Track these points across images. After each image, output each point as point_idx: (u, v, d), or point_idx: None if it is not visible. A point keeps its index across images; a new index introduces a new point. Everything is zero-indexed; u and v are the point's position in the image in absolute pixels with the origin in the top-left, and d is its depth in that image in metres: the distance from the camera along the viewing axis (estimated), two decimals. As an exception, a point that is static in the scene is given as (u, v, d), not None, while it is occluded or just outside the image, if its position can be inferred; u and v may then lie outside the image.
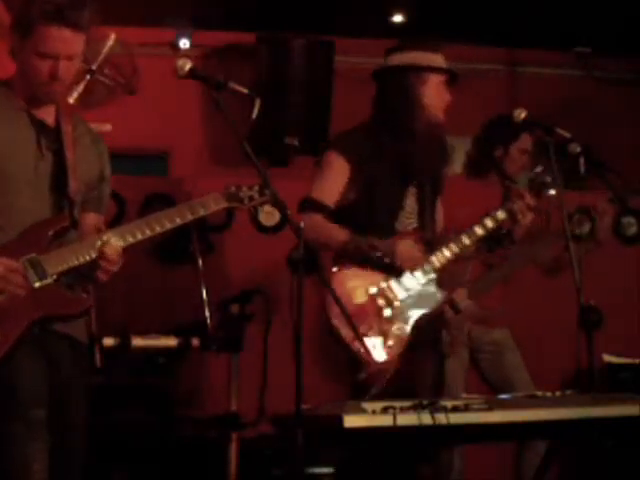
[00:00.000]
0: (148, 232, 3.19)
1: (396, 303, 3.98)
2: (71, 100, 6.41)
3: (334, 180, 4.03)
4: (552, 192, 4.20)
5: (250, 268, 5.63)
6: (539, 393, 3.67)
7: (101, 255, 3.09)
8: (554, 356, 5.63)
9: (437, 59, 4.14)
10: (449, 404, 3.24)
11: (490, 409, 3.28)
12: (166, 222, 3.22)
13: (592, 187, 4.76)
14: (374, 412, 3.14)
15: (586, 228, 5.16)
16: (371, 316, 3.88)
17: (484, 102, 7.16)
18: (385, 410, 3.14)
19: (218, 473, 4.99)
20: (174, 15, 6.56)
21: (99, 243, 3.13)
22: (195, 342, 5.07)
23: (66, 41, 3.09)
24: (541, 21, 6.61)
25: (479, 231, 4.07)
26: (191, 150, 6.93)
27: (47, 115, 3.23)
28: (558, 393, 3.62)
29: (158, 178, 6.49)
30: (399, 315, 3.97)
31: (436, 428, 3.13)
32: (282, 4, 6.42)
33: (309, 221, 3.87)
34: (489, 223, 4.08)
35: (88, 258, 3.11)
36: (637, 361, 5.86)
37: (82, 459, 3.22)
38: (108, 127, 6.77)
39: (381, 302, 3.93)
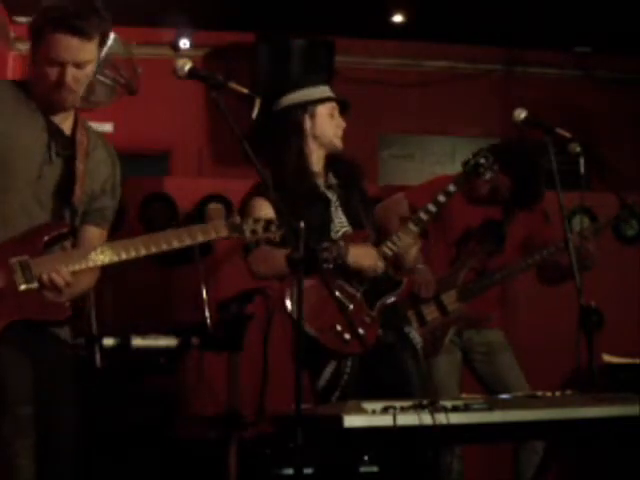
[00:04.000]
0: (143, 251, 3.17)
1: (357, 295, 4.03)
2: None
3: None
4: (488, 175, 4.25)
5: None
6: (539, 393, 3.67)
7: (43, 283, 3.06)
8: (554, 356, 5.64)
9: (320, 91, 4.28)
10: (449, 404, 3.24)
11: (490, 409, 3.28)
12: (163, 244, 3.20)
13: (592, 187, 4.77)
14: (374, 412, 3.14)
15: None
16: (334, 311, 3.90)
17: (484, 102, 7.17)
18: (385, 410, 3.14)
19: (218, 473, 4.99)
20: (174, 15, 6.56)
21: (91, 256, 3.12)
22: (195, 342, 5.08)
23: (73, 49, 3.10)
24: (541, 21, 6.61)
25: (413, 228, 4.17)
26: (191, 150, 6.93)
27: (63, 123, 3.24)
28: (558, 393, 3.62)
29: (158, 178, 6.50)
30: (362, 306, 4.03)
31: (436, 428, 3.13)
32: (282, 4, 6.43)
33: (257, 255, 4.07)
34: (414, 227, 4.17)
35: (77, 267, 3.10)
36: (637, 361, 5.86)
37: (71, 457, 3.22)
38: (108, 127, 6.79)
39: (341, 296, 3.97)
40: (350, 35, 6.73)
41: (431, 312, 4.75)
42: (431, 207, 4.19)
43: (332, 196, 4.23)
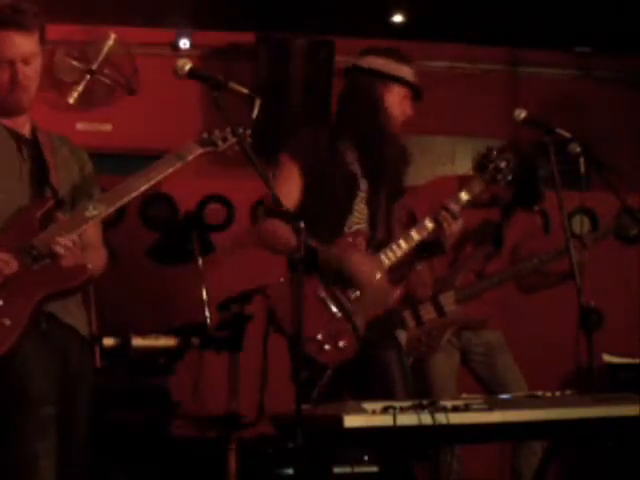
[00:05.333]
0: (133, 193, 3.28)
1: (346, 304, 3.92)
2: (71, 100, 6.44)
3: (286, 183, 3.96)
4: (504, 181, 4.13)
5: (250, 268, 5.63)
6: (539, 393, 3.67)
7: (54, 252, 3.11)
8: (554, 356, 5.63)
9: (406, 71, 4.12)
10: (449, 404, 3.24)
11: (490, 409, 3.27)
12: (147, 180, 3.28)
13: (592, 187, 4.76)
14: (374, 412, 3.14)
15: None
16: (321, 318, 3.86)
17: (484, 102, 7.17)
18: (385, 410, 3.14)
19: (218, 473, 4.99)
20: (174, 15, 6.56)
21: (86, 214, 3.18)
22: (195, 342, 5.08)
23: (16, 44, 3.16)
24: (541, 21, 6.61)
25: (415, 236, 4.01)
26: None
27: (22, 127, 3.31)
28: (558, 393, 3.62)
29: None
30: (350, 315, 3.91)
31: (436, 428, 3.13)
32: (282, 4, 6.43)
33: (266, 226, 3.94)
34: (416, 235, 4.00)
35: (80, 230, 3.16)
36: (637, 361, 5.86)
37: (86, 455, 3.25)
38: (108, 127, 6.80)
39: (330, 304, 3.92)
40: (350, 35, 6.71)
41: (428, 313, 4.74)
42: (429, 225, 4.03)
43: (363, 184, 4.08)
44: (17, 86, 3.18)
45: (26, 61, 3.18)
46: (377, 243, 4.05)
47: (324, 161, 4.00)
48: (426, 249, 4.11)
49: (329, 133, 4.08)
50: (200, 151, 3.36)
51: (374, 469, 3.44)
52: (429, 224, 4.01)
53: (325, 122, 4.36)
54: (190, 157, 3.33)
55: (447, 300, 4.74)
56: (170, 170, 3.30)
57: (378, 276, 3.94)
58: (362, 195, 4.08)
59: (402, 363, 4.07)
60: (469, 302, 4.77)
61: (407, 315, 4.70)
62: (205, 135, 3.38)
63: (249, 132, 3.35)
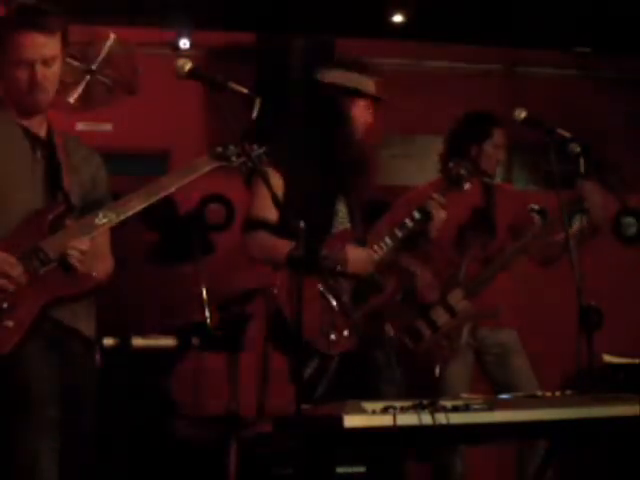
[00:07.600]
0: (143, 204, 3.24)
1: (344, 297, 4.01)
2: (71, 100, 6.44)
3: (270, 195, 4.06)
4: (467, 186, 4.32)
5: (250, 268, 5.63)
6: (539, 393, 3.67)
7: (65, 255, 3.12)
8: (554, 356, 5.64)
9: (367, 83, 4.25)
10: (449, 404, 3.24)
11: (490, 409, 3.27)
12: (159, 192, 3.27)
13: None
14: (374, 412, 3.14)
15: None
16: (322, 311, 3.89)
17: (484, 102, 7.17)
18: (385, 410, 3.14)
19: (218, 473, 4.99)
20: (174, 15, 6.56)
21: (96, 221, 3.18)
22: (195, 342, 5.08)
23: (38, 45, 3.16)
24: (541, 21, 6.61)
25: (398, 233, 4.19)
26: (191, 150, 6.92)
27: (38, 128, 3.31)
28: (558, 393, 3.62)
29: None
30: (349, 307, 4.01)
31: (436, 428, 3.13)
32: (282, 4, 6.43)
33: (253, 240, 4.06)
34: (408, 223, 4.20)
35: (87, 237, 3.16)
36: (637, 361, 5.86)
37: (90, 458, 3.25)
38: (108, 127, 6.80)
39: (330, 297, 3.96)
40: (350, 35, 6.72)
41: (440, 316, 4.74)
42: (417, 214, 4.21)
43: (340, 186, 4.21)
44: (36, 87, 3.18)
45: (46, 62, 3.18)
46: (359, 240, 4.17)
47: (305, 170, 4.10)
48: (412, 239, 4.27)
49: (304, 144, 4.20)
50: (214, 165, 3.36)
51: (362, 469, 3.44)
52: (417, 214, 4.19)
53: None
54: (203, 171, 3.33)
55: (455, 298, 4.74)
56: (183, 182, 3.30)
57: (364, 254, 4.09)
58: (341, 197, 4.20)
59: (390, 363, 4.14)
60: (478, 296, 4.77)
61: (421, 325, 4.72)
62: (219, 149, 3.36)
63: (264, 149, 3.34)
